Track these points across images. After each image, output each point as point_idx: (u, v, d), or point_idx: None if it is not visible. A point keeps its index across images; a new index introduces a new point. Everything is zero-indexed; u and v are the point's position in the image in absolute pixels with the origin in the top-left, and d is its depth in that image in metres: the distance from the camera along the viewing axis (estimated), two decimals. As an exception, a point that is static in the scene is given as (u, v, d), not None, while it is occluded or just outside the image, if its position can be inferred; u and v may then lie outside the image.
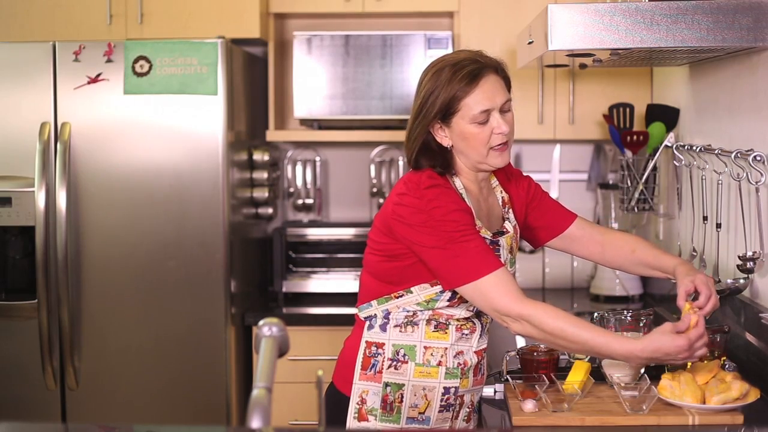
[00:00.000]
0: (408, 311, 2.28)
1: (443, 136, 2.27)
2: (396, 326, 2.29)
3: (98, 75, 3.43)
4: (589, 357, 2.52)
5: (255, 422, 1.32)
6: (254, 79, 3.93)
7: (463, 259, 2.16)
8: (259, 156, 3.84)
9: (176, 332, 3.47)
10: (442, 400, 2.29)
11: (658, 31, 2.47)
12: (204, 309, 3.47)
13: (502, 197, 2.41)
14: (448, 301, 2.25)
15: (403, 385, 2.28)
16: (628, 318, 2.57)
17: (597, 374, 2.42)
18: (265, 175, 3.85)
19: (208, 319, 3.47)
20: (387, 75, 3.81)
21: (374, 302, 2.31)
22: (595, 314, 2.63)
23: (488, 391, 2.42)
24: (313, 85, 3.85)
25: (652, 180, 3.48)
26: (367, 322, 2.32)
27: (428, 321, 2.28)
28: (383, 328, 2.30)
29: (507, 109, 2.29)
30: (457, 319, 2.29)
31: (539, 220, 2.49)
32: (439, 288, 2.24)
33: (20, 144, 3.44)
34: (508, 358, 2.50)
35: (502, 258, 2.29)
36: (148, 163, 3.44)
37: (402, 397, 2.28)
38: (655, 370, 2.46)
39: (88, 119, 3.44)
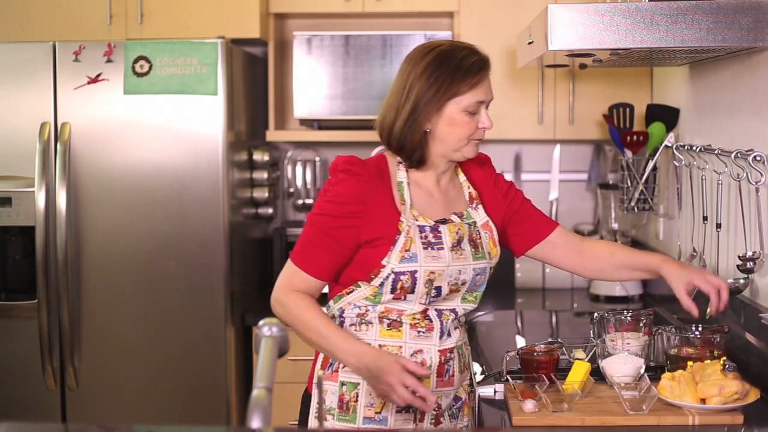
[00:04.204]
0: (359, 308, 2.28)
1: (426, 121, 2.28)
2: (351, 325, 2.29)
3: (98, 75, 3.43)
4: (589, 357, 2.52)
5: (255, 422, 1.32)
6: (254, 79, 3.93)
7: (300, 239, 2.30)
8: (259, 156, 3.84)
9: (176, 332, 3.47)
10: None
11: (658, 31, 2.47)
12: (204, 309, 3.47)
13: (470, 193, 2.39)
14: (392, 293, 2.24)
15: (359, 383, 2.26)
16: (628, 318, 2.56)
17: (597, 374, 2.43)
18: (265, 175, 3.85)
19: (208, 319, 3.47)
20: (387, 75, 3.81)
21: (331, 302, 2.33)
22: (595, 314, 2.63)
23: (488, 391, 2.41)
24: (313, 85, 3.85)
25: (652, 180, 3.48)
26: None
27: (380, 320, 2.27)
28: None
29: (488, 106, 2.31)
30: (411, 316, 2.26)
31: (520, 225, 2.46)
32: (379, 281, 2.23)
33: (20, 144, 3.44)
34: (508, 358, 2.50)
35: (445, 246, 2.25)
36: (148, 163, 3.44)
37: (357, 396, 2.27)
38: (654, 371, 2.47)
39: (88, 119, 3.44)
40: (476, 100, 2.25)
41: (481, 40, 3.83)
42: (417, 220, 2.25)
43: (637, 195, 3.47)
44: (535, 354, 2.49)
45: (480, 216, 2.37)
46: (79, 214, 3.45)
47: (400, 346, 2.26)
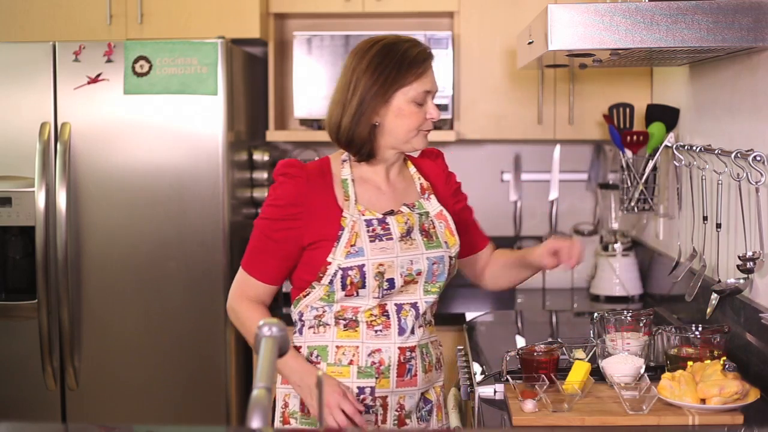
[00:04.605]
0: (316, 310, 2.29)
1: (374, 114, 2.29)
2: (310, 328, 2.31)
3: (98, 75, 3.43)
4: (589, 357, 2.52)
5: (255, 422, 1.32)
6: (254, 79, 3.93)
7: (248, 244, 2.33)
8: (259, 156, 3.84)
9: (176, 332, 3.47)
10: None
11: (658, 31, 2.47)
12: (204, 309, 3.46)
13: (421, 184, 2.40)
14: (343, 290, 2.24)
15: None
16: (628, 318, 2.57)
17: (597, 374, 2.43)
18: (265, 175, 3.85)
19: (208, 319, 3.47)
20: (387, 75, 3.80)
21: (292, 307, 2.35)
22: (595, 314, 2.63)
23: (488, 391, 2.42)
24: (313, 85, 3.85)
25: (652, 180, 3.48)
26: (294, 328, 2.36)
27: (337, 321, 2.27)
28: (300, 331, 2.33)
29: (433, 98, 2.34)
30: (368, 313, 2.26)
31: (459, 233, 2.46)
32: (328, 279, 2.24)
33: (20, 144, 3.44)
34: (508, 358, 2.50)
35: (394, 237, 2.26)
36: (148, 163, 3.45)
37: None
38: (654, 371, 2.47)
39: (88, 119, 3.44)
40: (423, 90, 2.27)
41: (481, 40, 3.84)
42: (363, 215, 2.26)
43: (637, 195, 3.47)
44: (535, 354, 2.49)
45: (433, 206, 2.37)
46: (79, 214, 3.45)
47: (357, 347, 2.26)
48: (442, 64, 3.81)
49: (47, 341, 3.42)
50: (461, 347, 3.13)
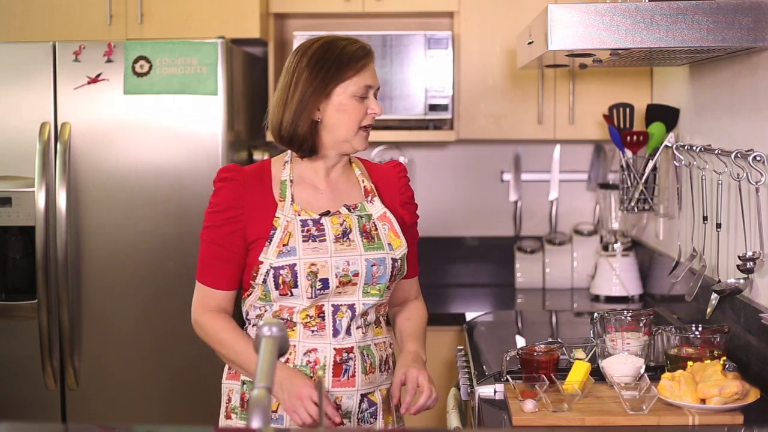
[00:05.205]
0: (258, 309, 2.30)
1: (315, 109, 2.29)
2: (253, 326, 2.33)
3: (98, 75, 3.43)
4: (589, 357, 2.52)
5: (255, 422, 1.32)
6: (254, 79, 3.93)
7: (198, 257, 2.34)
8: (259, 156, 3.84)
9: (176, 332, 3.47)
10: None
11: (658, 31, 2.48)
12: (204, 309, 3.46)
13: (365, 186, 2.38)
14: (277, 289, 2.24)
15: None
16: (628, 318, 2.57)
17: (597, 374, 2.43)
18: (265, 175, 3.85)
19: (208, 319, 3.47)
20: (387, 75, 3.81)
21: (240, 305, 2.36)
22: (595, 314, 2.63)
23: (488, 391, 2.42)
24: (313, 85, 3.85)
25: (652, 180, 3.48)
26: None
27: None
28: (246, 329, 2.35)
29: (376, 95, 2.34)
30: (303, 314, 2.25)
31: None
32: (261, 278, 2.25)
33: (20, 144, 3.44)
34: (508, 358, 2.50)
35: (327, 238, 2.26)
36: (148, 163, 3.45)
37: None
38: (654, 371, 2.47)
39: (88, 119, 3.44)
40: (364, 84, 2.28)
41: (481, 40, 3.84)
42: (299, 215, 2.27)
43: (637, 195, 3.47)
44: (535, 354, 2.49)
45: (376, 209, 2.36)
46: (79, 214, 3.45)
47: (294, 345, 2.27)
48: (442, 64, 3.81)
49: (47, 341, 3.42)
50: (461, 347, 3.13)
